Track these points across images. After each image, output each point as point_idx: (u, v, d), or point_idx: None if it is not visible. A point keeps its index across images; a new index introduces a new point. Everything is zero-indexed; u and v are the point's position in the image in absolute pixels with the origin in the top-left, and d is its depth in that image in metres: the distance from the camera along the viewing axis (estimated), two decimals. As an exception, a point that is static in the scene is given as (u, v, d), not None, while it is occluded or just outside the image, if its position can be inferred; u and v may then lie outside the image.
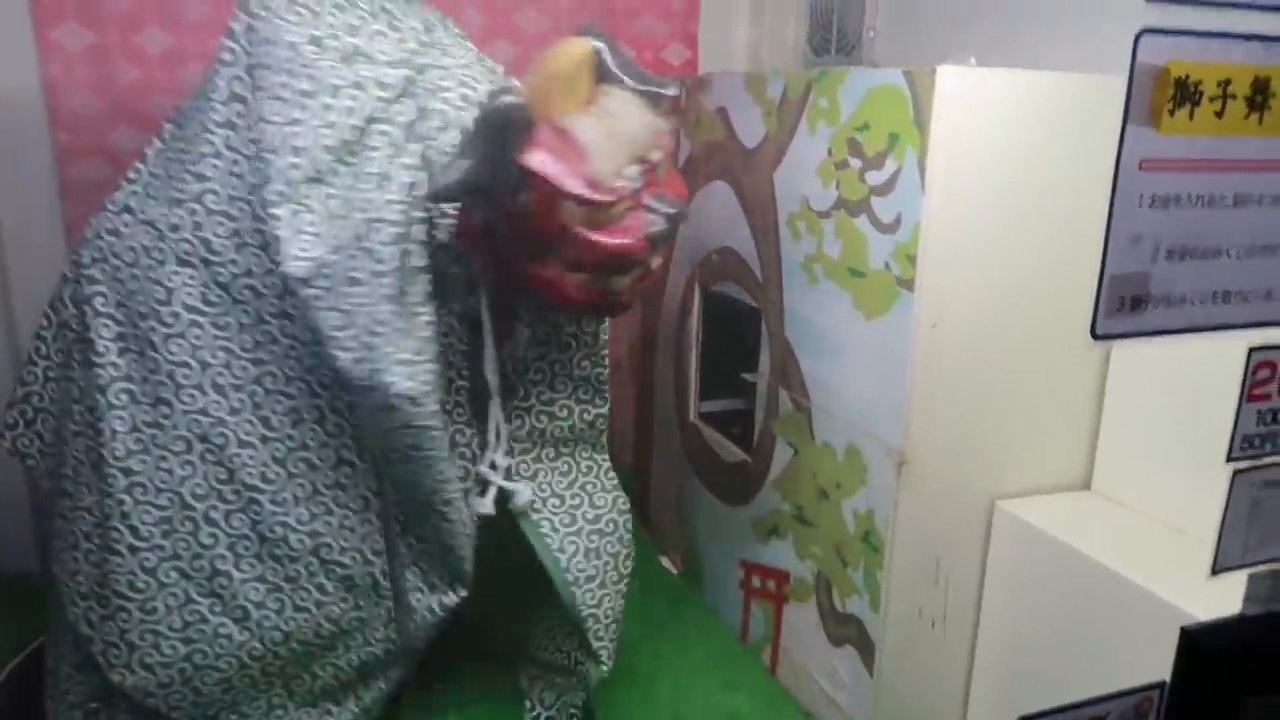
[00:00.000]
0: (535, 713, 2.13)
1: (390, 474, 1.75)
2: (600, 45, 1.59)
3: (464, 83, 1.69)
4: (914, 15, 2.51)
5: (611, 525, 1.97)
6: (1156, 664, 1.51)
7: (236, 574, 1.71)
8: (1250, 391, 1.33)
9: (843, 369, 1.94)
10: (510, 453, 1.87)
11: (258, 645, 1.74)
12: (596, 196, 1.49)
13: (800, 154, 2.04)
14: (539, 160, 1.47)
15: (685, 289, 2.61)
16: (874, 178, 1.80)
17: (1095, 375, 1.88)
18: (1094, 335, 1.29)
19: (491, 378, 1.80)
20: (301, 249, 1.52)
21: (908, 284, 1.74)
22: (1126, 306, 1.30)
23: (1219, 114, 1.27)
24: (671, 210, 1.60)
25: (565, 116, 1.51)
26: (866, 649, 1.92)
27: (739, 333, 2.38)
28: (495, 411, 1.82)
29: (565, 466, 1.97)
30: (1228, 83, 1.25)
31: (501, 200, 1.54)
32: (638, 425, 3.05)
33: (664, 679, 2.27)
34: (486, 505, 1.81)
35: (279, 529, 1.71)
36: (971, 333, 1.77)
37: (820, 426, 2.03)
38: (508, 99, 1.48)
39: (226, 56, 1.67)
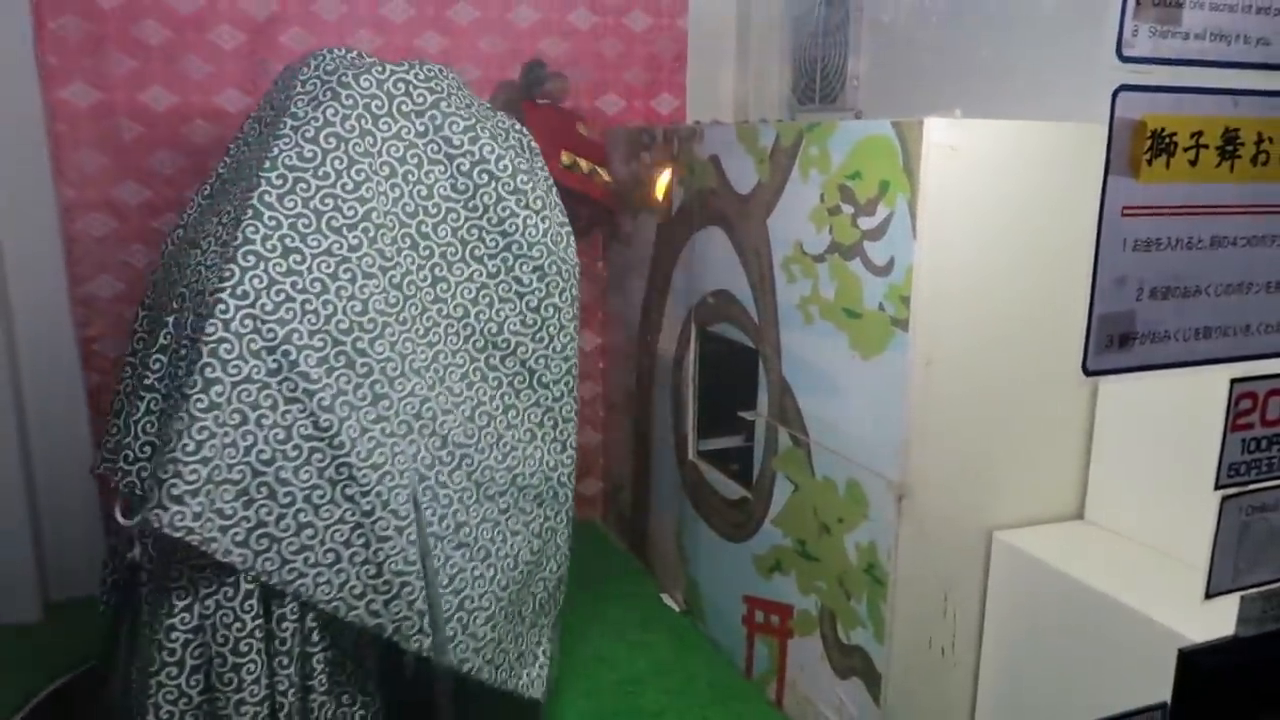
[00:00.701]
0: None
1: None
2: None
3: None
4: (894, 66, 2.62)
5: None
6: (1155, 686, 1.57)
7: (472, 520, 1.96)
8: (1234, 421, 1.41)
9: (841, 406, 2.01)
10: None
11: (502, 577, 2.00)
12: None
13: (793, 200, 2.12)
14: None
15: (682, 330, 2.67)
16: (866, 223, 1.88)
17: (1084, 408, 1.95)
18: (1085, 371, 1.37)
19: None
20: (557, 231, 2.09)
21: (902, 324, 1.81)
22: (1115, 344, 1.38)
23: (1193, 163, 1.36)
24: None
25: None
26: (873, 679, 1.97)
27: (736, 372, 2.44)
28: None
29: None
30: (1200, 134, 1.34)
31: None
32: (635, 465, 3.10)
33: (671, 715, 2.30)
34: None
35: (486, 473, 1.99)
36: (965, 369, 1.84)
37: (820, 462, 2.09)
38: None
39: (346, 103, 1.90)
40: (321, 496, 1.78)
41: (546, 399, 2.13)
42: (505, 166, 1.98)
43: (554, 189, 2.10)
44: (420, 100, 1.95)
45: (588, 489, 3.43)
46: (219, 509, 1.71)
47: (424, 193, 1.93)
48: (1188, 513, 1.80)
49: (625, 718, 2.30)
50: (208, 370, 1.70)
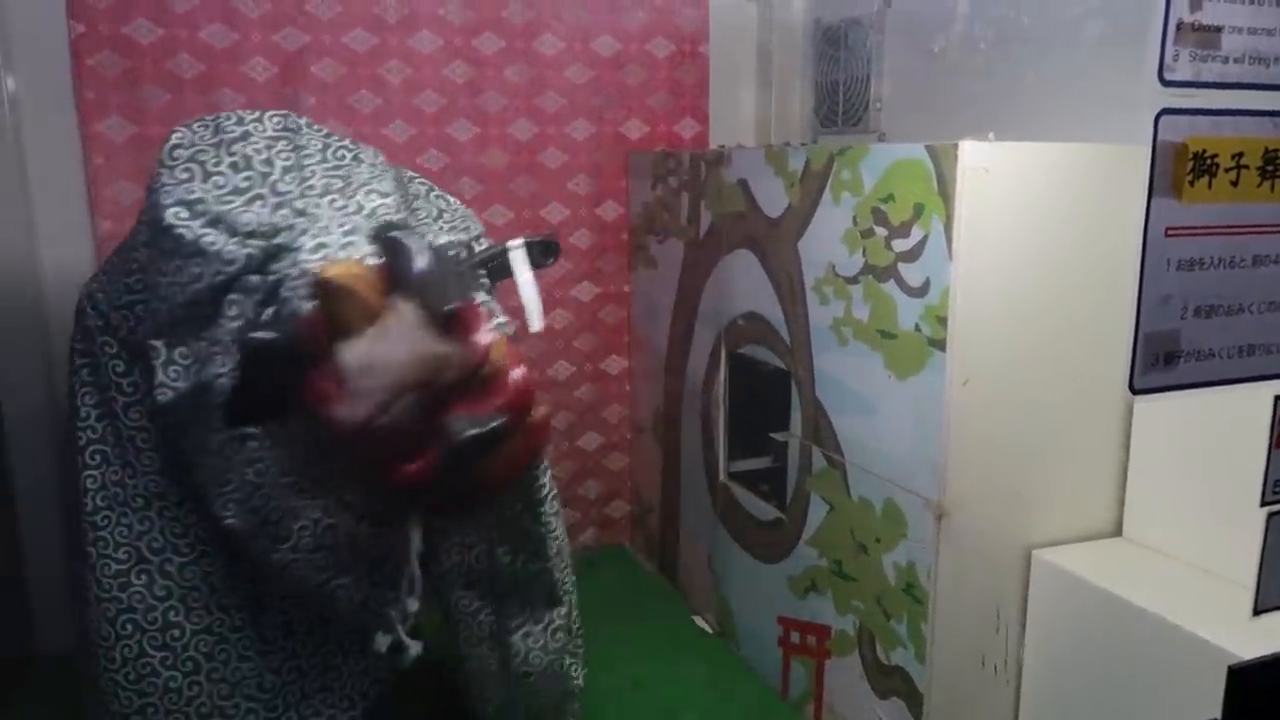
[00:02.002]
0: None
1: None
2: (396, 241, 1.45)
3: (305, 274, 1.48)
4: (917, 89, 2.65)
5: (542, 682, 1.98)
6: (1202, 704, 1.57)
7: (188, 625, 1.80)
8: (1279, 438, 1.43)
9: (877, 427, 2.02)
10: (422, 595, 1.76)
11: (205, 700, 1.82)
12: (351, 436, 1.34)
13: (825, 223, 2.14)
14: (307, 394, 1.36)
15: (711, 353, 2.69)
16: (900, 245, 1.90)
17: (1121, 425, 1.96)
18: (1132, 390, 1.38)
19: (413, 532, 1.68)
20: (170, 379, 1.60)
21: (939, 344, 1.83)
22: (1160, 362, 1.39)
23: (1234, 183, 1.38)
24: (467, 431, 1.37)
25: (345, 341, 1.36)
26: (914, 700, 1.97)
27: (767, 393, 2.46)
28: (413, 559, 1.69)
29: (509, 612, 1.93)
30: (1241, 155, 1.36)
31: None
32: (664, 487, 3.11)
33: (708, 738, 2.30)
34: (381, 645, 1.73)
35: (227, 580, 1.81)
36: (1002, 388, 1.85)
37: (856, 482, 2.10)
38: (259, 335, 1.42)
39: (153, 182, 1.67)
40: (72, 533, 1.92)
41: None
42: None
43: None
44: None
45: (616, 511, 3.44)
46: None
47: None
48: (1228, 529, 1.80)
49: (663, 740, 2.30)
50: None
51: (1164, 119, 1.29)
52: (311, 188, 1.64)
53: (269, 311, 1.48)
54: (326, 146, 1.74)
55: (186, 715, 1.81)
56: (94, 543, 1.79)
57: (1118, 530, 2.00)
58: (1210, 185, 1.36)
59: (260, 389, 1.41)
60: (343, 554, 1.71)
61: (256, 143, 1.68)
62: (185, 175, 1.62)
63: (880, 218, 1.96)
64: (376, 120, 2.86)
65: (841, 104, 2.91)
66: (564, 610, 1.98)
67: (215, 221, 1.56)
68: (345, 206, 1.63)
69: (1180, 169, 1.32)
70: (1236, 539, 1.78)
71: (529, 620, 1.94)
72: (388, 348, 1.35)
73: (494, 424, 1.40)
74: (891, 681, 2.04)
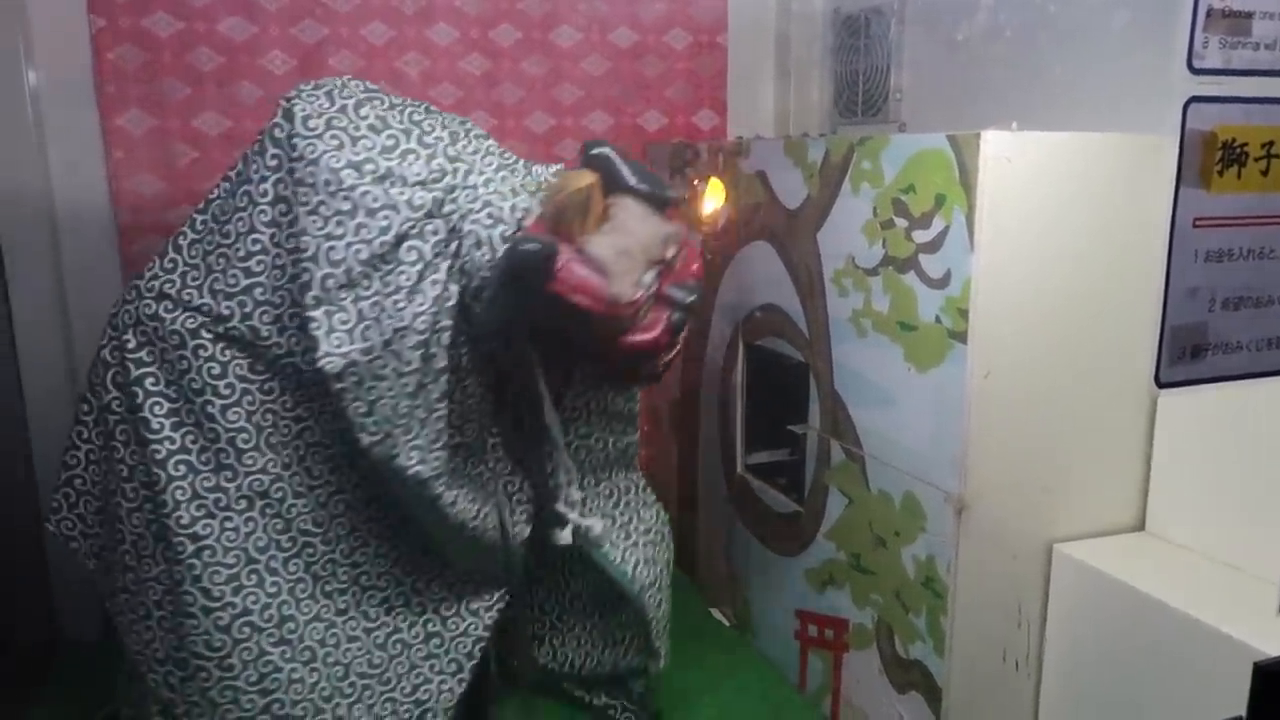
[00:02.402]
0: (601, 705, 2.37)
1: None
2: (608, 155, 1.76)
3: (489, 203, 1.75)
4: (937, 79, 2.62)
5: (659, 535, 2.21)
6: (1226, 701, 1.55)
7: (300, 616, 1.82)
8: (1308, 432, 1.41)
9: (897, 419, 2.01)
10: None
11: (325, 685, 1.85)
12: (622, 312, 1.69)
13: (844, 214, 2.13)
14: (566, 290, 1.65)
15: (729, 345, 2.68)
16: (921, 236, 1.89)
17: (1144, 418, 1.94)
18: (1158, 383, 1.37)
19: (552, 424, 1.97)
20: (334, 346, 1.65)
21: (960, 336, 1.81)
22: (1187, 355, 1.38)
23: (1264, 173, 1.36)
24: (689, 298, 1.78)
25: (583, 239, 1.69)
26: (933, 694, 1.96)
27: (785, 386, 2.45)
28: (560, 455, 2.00)
29: (608, 490, 2.17)
30: (1271, 144, 1.34)
31: (539, 321, 1.78)
32: (681, 479, 3.10)
33: (725, 730, 2.30)
34: (565, 537, 1.99)
35: (328, 566, 1.86)
36: (1024, 381, 1.84)
37: (875, 476, 2.09)
38: (528, 246, 1.64)
39: (271, 162, 1.75)
40: (144, 549, 1.80)
41: None
42: None
43: None
44: None
45: (632, 503, 3.44)
46: (80, 514, 1.91)
47: None
48: (1254, 524, 1.78)
49: (681, 733, 2.31)
50: (83, 389, 1.90)
51: (1192, 107, 1.27)
52: (440, 138, 1.82)
53: (499, 234, 1.72)
54: (409, 103, 1.89)
55: (310, 704, 1.83)
56: (197, 554, 1.74)
57: (1141, 524, 1.98)
58: (1240, 175, 1.34)
59: (517, 298, 1.69)
60: (499, 478, 1.98)
61: (378, 105, 1.80)
62: (335, 142, 1.71)
63: (901, 209, 1.94)
64: (394, 112, 2.86)
65: (861, 94, 2.88)
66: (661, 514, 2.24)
67: (387, 177, 1.70)
68: (472, 148, 1.87)
69: (1209, 158, 1.30)
70: (1262, 534, 1.76)
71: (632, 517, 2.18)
72: (629, 235, 1.69)
73: (699, 288, 1.82)
74: (910, 675, 2.03)
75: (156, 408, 1.77)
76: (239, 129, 2.74)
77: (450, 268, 1.71)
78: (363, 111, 1.77)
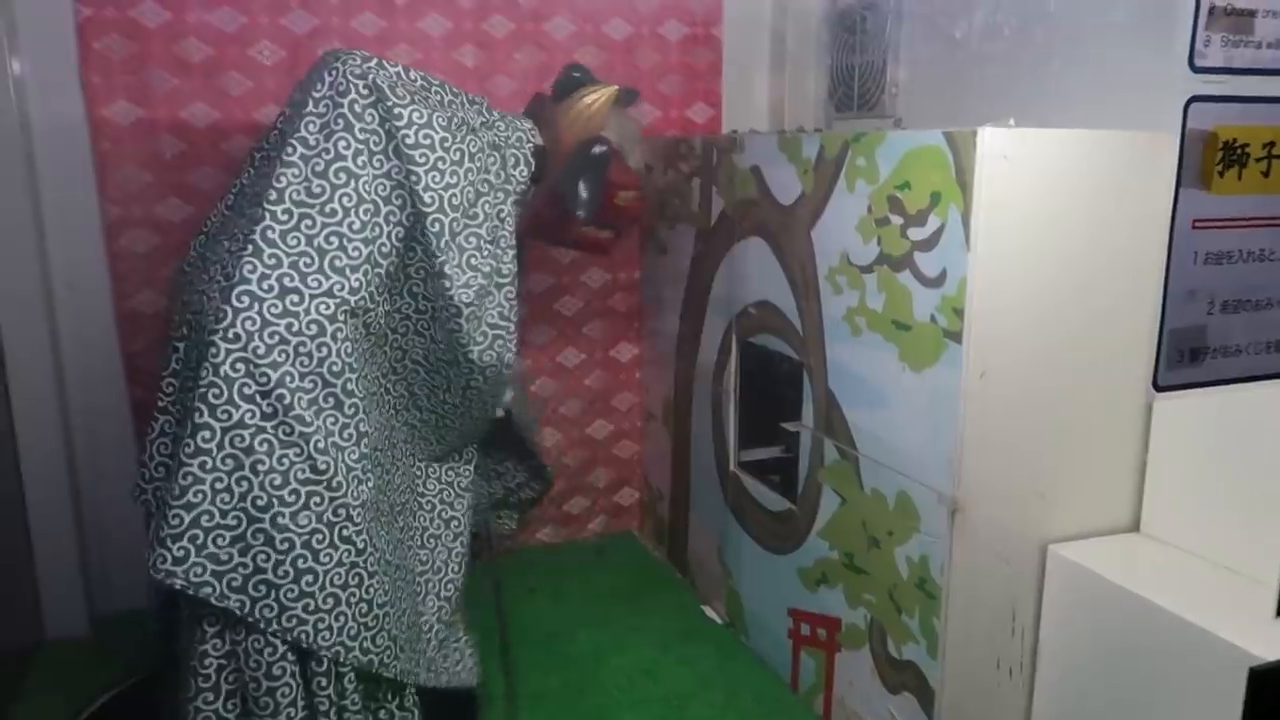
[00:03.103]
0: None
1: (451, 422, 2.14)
2: (586, 69, 2.41)
3: (518, 128, 2.14)
4: (934, 73, 2.60)
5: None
6: (1222, 705, 1.54)
7: (388, 542, 1.92)
8: (1306, 435, 1.39)
9: (891, 419, 1.99)
10: None
11: (406, 590, 1.98)
12: (637, 182, 2.36)
13: (839, 211, 2.10)
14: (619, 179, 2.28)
15: (722, 341, 2.66)
16: (917, 234, 1.87)
17: (1140, 418, 1.93)
18: (1156, 387, 1.35)
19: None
20: (467, 281, 1.91)
21: (955, 336, 1.79)
22: (1186, 358, 1.36)
23: (1265, 174, 1.34)
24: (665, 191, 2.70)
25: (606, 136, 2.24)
26: (925, 695, 1.95)
27: (779, 383, 2.43)
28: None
29: None
30: (1272, 145, 1.32)
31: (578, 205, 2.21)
32: (674, 475, 3.09)
33: (718, 730, 2.29)
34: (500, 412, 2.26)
35: (388, 494, 1.98)
36: (1019, 381, 1.82)
37: (869, 475, 2.07)
38: (600, 148, 2.19)
39: (363, 135, 1.86)
40: (320, 541, 1.76)
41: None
42: None
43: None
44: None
45: (625, 499, 3.43)
46: (211, 554, 1.72)
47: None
48: (1250, 526, 1.77)
49: (672, 732, 2.29)
50: (196, 416, 1.71)
51: (1193, 106, 1.25)
52: (456, 94, 2.11)
53: (529, 151, 2.12)
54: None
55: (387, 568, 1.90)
56: (374, 520, 1.86)
57: (1136, 525, 1.97)
58: (1240, 176, 1.32)
59: (595, 183, 2.20)
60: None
61: (411, 75, 2.02)
62: (425, 104, 1.92)
63: (896, 206, 1.92)
64: (385, 104, 2.82)
65: (857, 88, 2.86)
66: None
67: (463, 125, 1.98)
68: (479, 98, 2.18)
69: (1209, 158, 1.28)
70: (1259, 536, 1.75)
71: None
72: (629, 134, 2.35)
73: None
74: (903, 676, 2.01)
75: (300, 400, 1.75)
76: (227, 120, 2.71)
77: (504, 179, 2.03)
78: (411, 74, 2.02)
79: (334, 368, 1.79)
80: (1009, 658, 1.94)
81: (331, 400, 1.78)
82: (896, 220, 1.92)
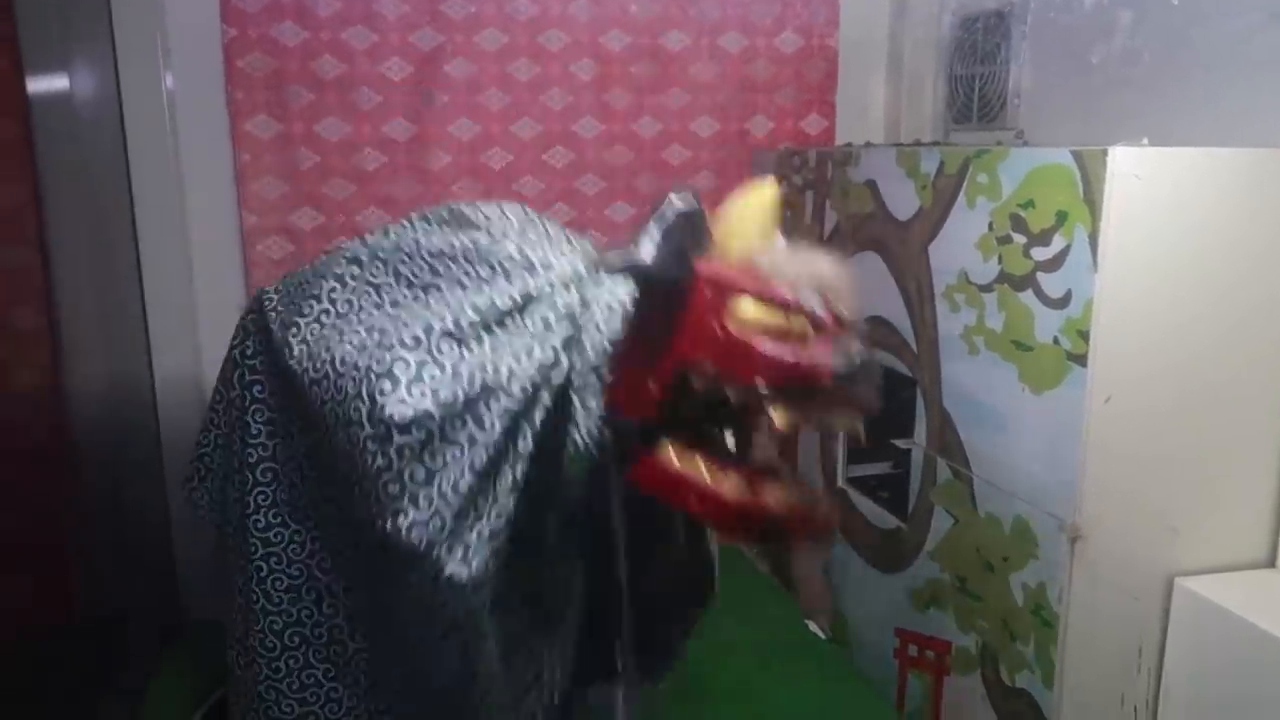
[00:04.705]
0: None
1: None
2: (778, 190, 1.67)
3: (613, 291, 1.60)
4: (1058, 84, 2.52)
5: None
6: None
7: (351, 645, 1.78)
8: None
9: (1008, 441, 1.95)
10: None
11: (363, 709, 1.82)
12: (767, 291, 1.44)
13: (958, 228, 2.07)
14: (712, 261, 1.52)
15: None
16: (1040, 253, 1.82)
17: (1277, 448, 1.83)
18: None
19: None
20: (411, 396, 1.44)
21: (1079, 359, 1.74)
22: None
23: None
24: (858, 357, 1.49)
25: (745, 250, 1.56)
26: (1039, 726, 1.90)
27: (890, 400, 2.39)
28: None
29: None
30: None
31: (667, 309, 1.53)
32: (779, 487, 3.07)
33: (821, 747, 2.27)
34: None
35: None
36: (1147, 406, 1.76)
37: (983, 498, 2.03)
38: (683, 199, 1.59)
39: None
40: (237, 537, 1.82)
41: None
42: None
43: None
44: None
45: (728, 509, 3.43)
46: (209, 488, 1.91)
47: None
48: (1401, 568, 1.66)
49: (774, 746, 2.29)
50: (218, 382, 1.87)
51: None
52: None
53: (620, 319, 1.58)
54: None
55: None
56: (265, 557, 1.76)
57: (1272, 561, 1.87)
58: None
59: (674, 251, 1.58)
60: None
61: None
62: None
63: (1019, 224, 1.88)
64: (505, 118, 2.91)
65: (977, 100, 2.80)
66: None
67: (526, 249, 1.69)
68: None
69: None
70: None
71: None
72: (799, 258, 1.58)
73: (868, 359, 1.55)
74: (1016, 705, 1.97)
75: (259, 414, 1.79)
76: (357, 133, 2.84)
77: (567, 342, 1.54)
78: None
79: (286, 393, 1.71)
80: (1133, 695, 1.87)
81: (284, 430, 1.74)
82: (1019, 239, 1.88)
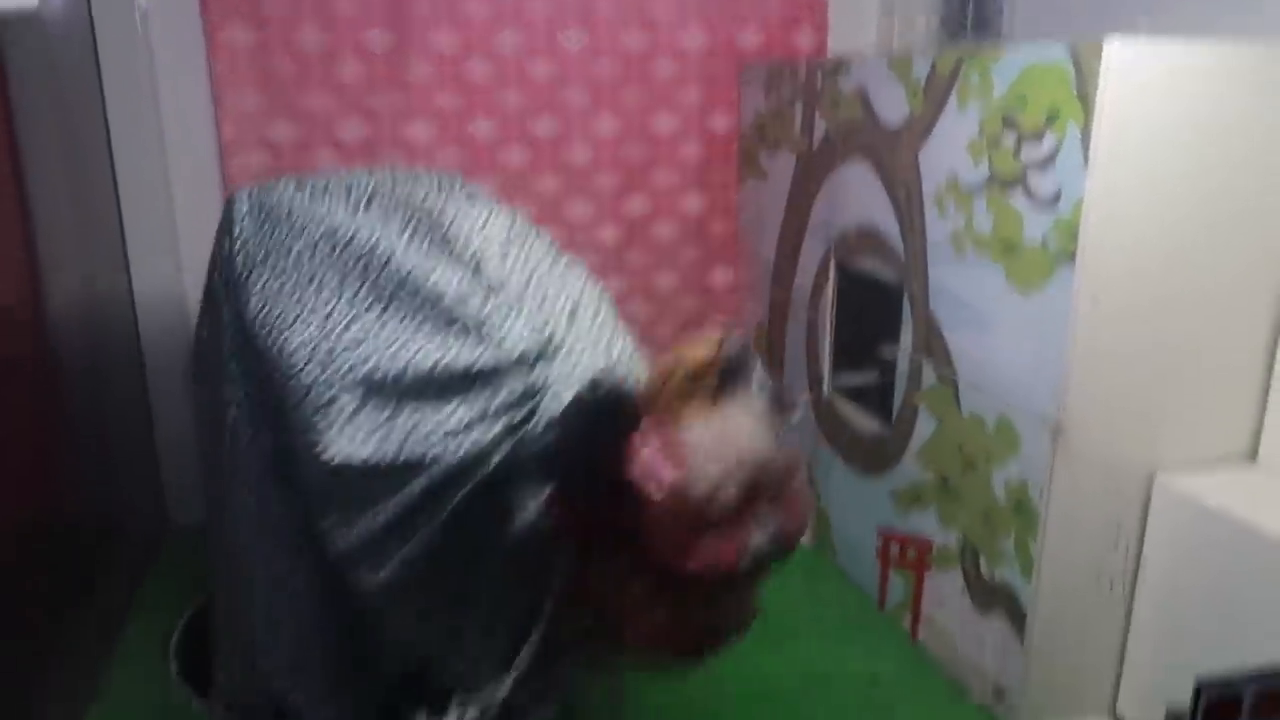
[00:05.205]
0: None
1: None
2: (747, 348, 1.52)
3: (570, 380, 1.54)
4: (1052, -10, 2.50)
5: None
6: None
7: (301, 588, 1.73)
8: None
9: (994, 342, 1.98)
10: None
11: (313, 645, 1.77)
12: (685, 493, 1.34)
13: (948, 131, 2.07)
14: (634, 449, 1.38)
15: (820, 266, 2.66)
16: (1031, 153, 1.83)
17: (1263, 346, 1.88)
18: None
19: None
20: (343, 437, 1.50)
21: (1068, 258, 1.76)
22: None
23: None
24: (779, 532, 1.43)
25: (678, 418, 1.42)
26: (1017, 616, 1.97)
27: (876, 308, 2.42)
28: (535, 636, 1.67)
29: None
30: None
31: (588, 484, 1.46)
32: (764, 401, 3.11)
33: (804, 644, 2.34)
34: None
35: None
36: (1134, 304, 1.79)
37: (968, 399, 2.07)
38: (618, 383, 1.47)
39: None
40: (217, 468, 1.79)
41: None
42: None
43: None
44: None
45: (713, 424, 3.47)
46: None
47: None
48: (1370, 457, 1.72)
49: (760, 644, 2.36)
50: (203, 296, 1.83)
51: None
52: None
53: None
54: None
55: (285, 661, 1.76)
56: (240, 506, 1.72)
57: (1253, 455, 1.93)
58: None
59: (590, 433, 1.44)
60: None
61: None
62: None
63: (1010, 124, 1.88)
64: (487, 29, 2.85)
65: (971, 9, 2.77)
66: None
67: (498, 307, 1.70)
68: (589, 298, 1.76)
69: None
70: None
71: None
72: (730, 438, 1.40)
73: (795, 531, 1.46)
74: (994, 597, 2.03)
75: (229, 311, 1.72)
76: (337, 42, 2.77)
77: (508, 427, 1.50)
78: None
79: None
80: (1110, 570, 1.93)
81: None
82: (1010, 139, 1.88)
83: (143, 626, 2.40)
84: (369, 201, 1.74)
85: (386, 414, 1.51)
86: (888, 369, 2.40)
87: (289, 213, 1.72)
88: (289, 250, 1.67)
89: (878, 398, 2.49)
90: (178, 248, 2.81)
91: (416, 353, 1.53)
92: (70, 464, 2.23)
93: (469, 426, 1.50)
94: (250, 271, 1.67)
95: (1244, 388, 1.90)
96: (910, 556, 2.33)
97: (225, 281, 1.72)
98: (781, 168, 2.84)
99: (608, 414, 1.42)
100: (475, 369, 1.52)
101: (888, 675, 2.23)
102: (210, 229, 2.77)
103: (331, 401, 1.51)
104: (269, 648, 1.75)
